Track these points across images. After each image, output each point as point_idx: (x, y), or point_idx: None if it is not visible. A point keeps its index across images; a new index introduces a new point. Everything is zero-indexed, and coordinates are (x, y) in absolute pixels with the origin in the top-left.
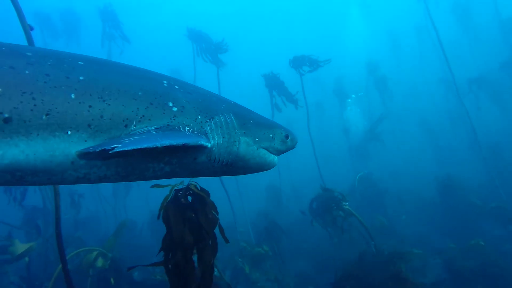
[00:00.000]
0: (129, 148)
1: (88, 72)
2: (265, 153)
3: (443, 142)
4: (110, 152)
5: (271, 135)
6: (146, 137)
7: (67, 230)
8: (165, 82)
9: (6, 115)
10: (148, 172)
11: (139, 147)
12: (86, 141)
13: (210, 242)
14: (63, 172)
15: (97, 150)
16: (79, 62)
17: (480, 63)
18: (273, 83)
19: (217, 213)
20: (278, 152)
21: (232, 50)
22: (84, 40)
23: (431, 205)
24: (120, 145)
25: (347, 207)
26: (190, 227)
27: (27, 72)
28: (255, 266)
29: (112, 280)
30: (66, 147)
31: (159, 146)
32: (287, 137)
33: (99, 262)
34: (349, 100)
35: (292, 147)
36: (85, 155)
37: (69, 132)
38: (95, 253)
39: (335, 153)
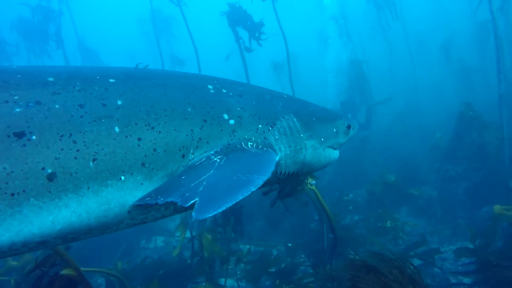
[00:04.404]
0: (218, 210)
1: (124, 93)
2: (330, 152)
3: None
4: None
5: (334, 130)
6: (223, 180)
7: None
8: (210, 86)
9: (50, 170)
10: None
11: (227, 205)
12: (142, 184)
13: None
14: (119, 223)
15: (184, 205)
16: (111, 80)
17: None
18: (237, 18)
19: None
20: (340, 145)
21: None
22: None
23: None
24: (205, 201)
25: (311, 187)
26: None
27: (57, 106)
28: None
29: None
30: (122, 196)
31: (248, 194)
32: (349, 127)
33: None
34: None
35: (353, 135)
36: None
37: (123, 178)
38: None
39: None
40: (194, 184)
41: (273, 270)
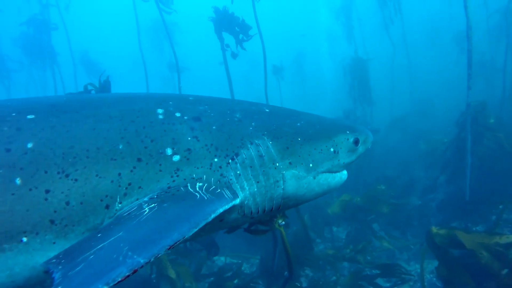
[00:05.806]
0: None
1: (40, 132)
2: (326, 178)
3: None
4: None
5: (332, 149)
6: (104, 258)
7: None
8: (159, 110)
9: None
10: None
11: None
12: (55, 243)
13: None
14: (42, 283)
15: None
16: (29, 116)
17: None
18: (222, 23)
19: None
20: (346, 166)
21: None
22: None
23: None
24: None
25: (279, 228)
26: None
27: None
28: None
29: None
30: (28, 259)
31: (139, 266)
32: (357, 142)
33: None
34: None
35: (366, 150)
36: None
37: (25, 239)
38: None
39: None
40: (85, 255)
41: None
